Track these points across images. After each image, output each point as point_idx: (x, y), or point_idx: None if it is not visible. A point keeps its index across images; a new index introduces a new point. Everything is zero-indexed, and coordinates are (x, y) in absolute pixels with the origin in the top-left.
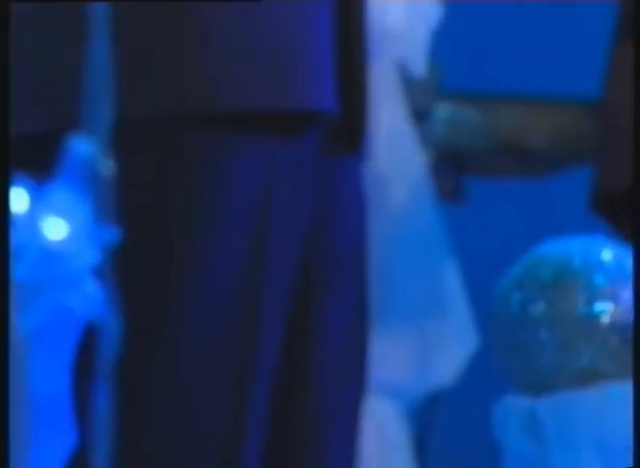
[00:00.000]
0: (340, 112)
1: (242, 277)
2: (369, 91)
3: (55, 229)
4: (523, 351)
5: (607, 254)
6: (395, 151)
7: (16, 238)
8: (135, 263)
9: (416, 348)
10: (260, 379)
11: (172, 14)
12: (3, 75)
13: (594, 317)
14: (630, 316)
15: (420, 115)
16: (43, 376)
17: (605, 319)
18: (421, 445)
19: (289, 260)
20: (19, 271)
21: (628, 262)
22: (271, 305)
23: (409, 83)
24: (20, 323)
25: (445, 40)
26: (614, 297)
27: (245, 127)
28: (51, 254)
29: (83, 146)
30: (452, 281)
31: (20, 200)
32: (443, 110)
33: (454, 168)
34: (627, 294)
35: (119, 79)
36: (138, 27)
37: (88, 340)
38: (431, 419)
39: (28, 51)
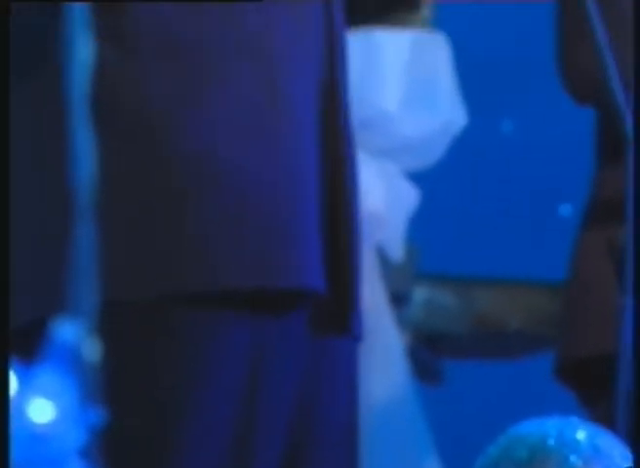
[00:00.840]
0: (330, 292)
1: (230, 452)
2: (359, 270)
3: (41, 411)
4: None
5: (581, 434)
6: (374, 334)
7: None
8: (122, 444)
9: None
10: None
11: (154, 191)
12: (3, 75)
13: None
14: None
15: (399, 298)
16: None
17: None
18: None
19: (276, 437)
20: None
21: (602, 442)
22: None
23: (387, 266)
24: None
25: (422, 224)
26: None
27: (232, 304)
28: (37, 436)
29: (69, 329)
30: None
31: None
32: (420, 293)
33: (431, 350)
34: None
35: (104, 259)
36: (123, 209)
37: None
38: None
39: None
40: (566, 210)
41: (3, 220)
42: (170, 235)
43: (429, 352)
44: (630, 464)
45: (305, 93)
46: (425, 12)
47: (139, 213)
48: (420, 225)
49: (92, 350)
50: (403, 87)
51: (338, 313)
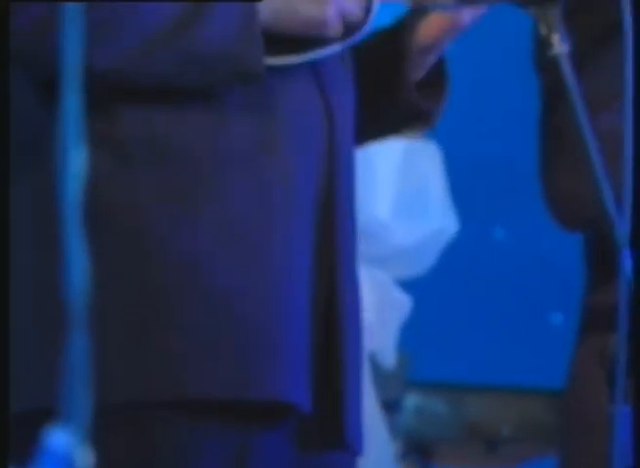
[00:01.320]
0: (326, 408)
1: None
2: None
3: None
4: None
5: None
6: (366, 440)
7: None
8: None
9: None
10: None
11: (139, 299)
12: (3, 75)
13: None
14: None
15: (390, 405)
16: None
17: None
18: None
19: None
20: None
21: None
22: None
23: (379, 374)
24: None
25: (413, 332)
26: None
27: (218, 414)
28: None
29: (62, 436)
30: None
31: None
32: (412, 400)
33: (422, 456)
34: None
35: (95, 368)
36: (107, 315)
37: None
38: None
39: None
40: (557, 318)
41: (3, 325)
42: (151, 343)
43: (421, 459)
44: None
45: (301, 207)
46: None
47: (122, 320)
48: (411, 333)
49: (84, 458)
50: (395, 195)
51: (334, 428)
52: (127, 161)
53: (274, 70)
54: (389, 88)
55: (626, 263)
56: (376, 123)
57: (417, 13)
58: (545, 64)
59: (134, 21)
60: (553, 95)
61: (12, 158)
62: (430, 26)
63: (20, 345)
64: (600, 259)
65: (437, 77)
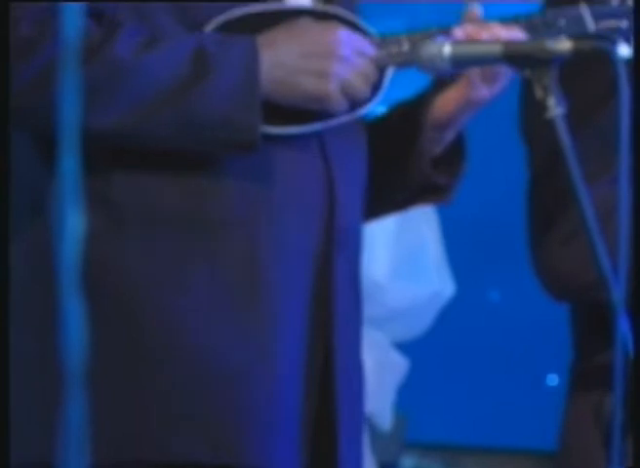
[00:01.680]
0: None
1: None
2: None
3: None
4: None
5: None
6: None
7: None
8: None
9: None
10: None
11: (127, 363)
12: (3, 74)
13: None
14: None
15: (388, 467)
16: None
17: None
18: None
19: None
20: None
21: None
22: None
23: (376, 435)
24: None
25: (410, 393)
26: None
27: None
28: None
29: None
30: None
31: None
32: (409, 461)
33: None
34: None
35: (91, 426)
36: (101, 377)
37: None
38: None
39: None
40: (553, 380)
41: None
42: (144, 404)
43: None
44: None
45: (295, 274)
46: None
47: (115, 381)
48: (408, 394)
49: None
50: (392, 257)
51: None
52: (120, 223)
53: (277, 139)
54: (405, 162)
55: (622, 326)
56: (390, 197)
57: (434, 87)
58: (535, 132)
59: (133, 83)
60: (543, 165)
61: (10, 215)
62: (447, 102)
63: (20, 401)
64: (592, 326)
65: (455, 152)
